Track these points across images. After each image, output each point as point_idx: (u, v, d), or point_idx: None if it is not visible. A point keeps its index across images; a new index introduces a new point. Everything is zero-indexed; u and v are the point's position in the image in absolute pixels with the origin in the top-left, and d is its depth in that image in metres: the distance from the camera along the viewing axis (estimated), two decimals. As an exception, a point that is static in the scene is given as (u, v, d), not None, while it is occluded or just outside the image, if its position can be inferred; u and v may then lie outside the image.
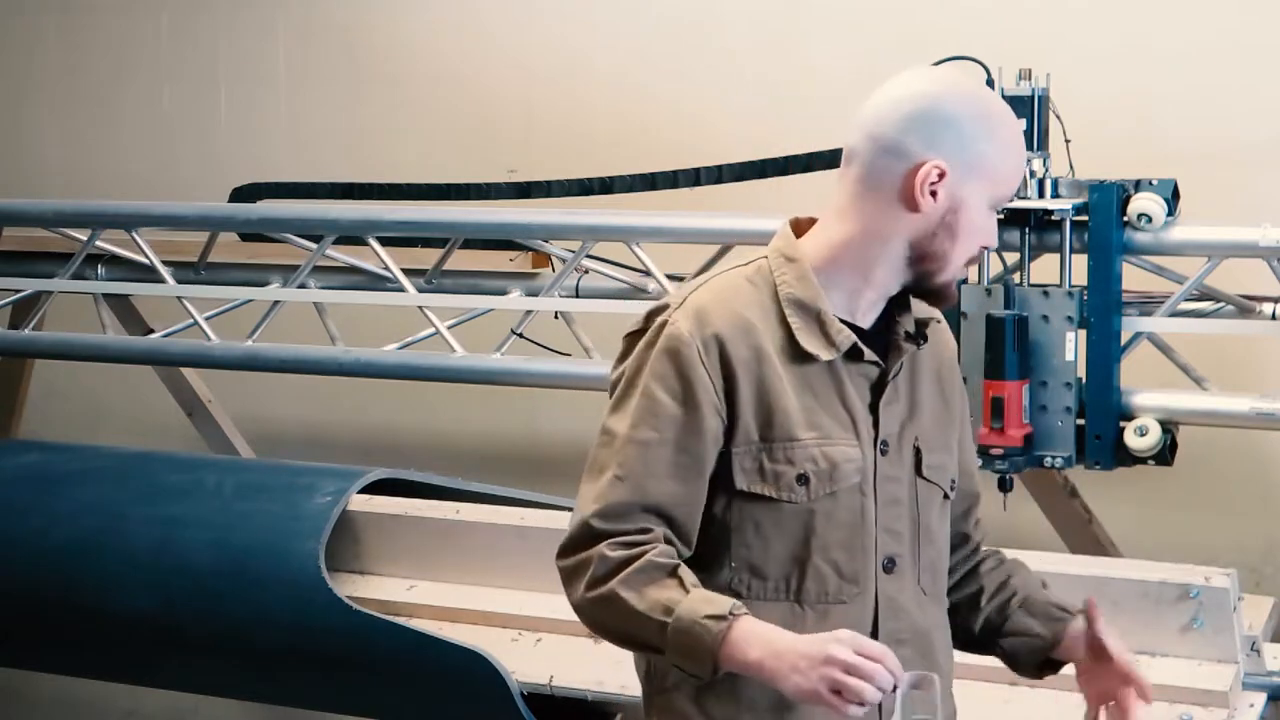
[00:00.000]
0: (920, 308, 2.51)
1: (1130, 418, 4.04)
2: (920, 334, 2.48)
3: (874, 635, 2.38)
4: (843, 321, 2.43)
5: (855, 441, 2.42)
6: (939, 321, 2.55)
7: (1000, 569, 2.65)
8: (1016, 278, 4.13)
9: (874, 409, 2.44)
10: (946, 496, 2.53)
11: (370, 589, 4.24)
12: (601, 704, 3.89)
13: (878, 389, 2.45)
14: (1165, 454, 4.02)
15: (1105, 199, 3.98)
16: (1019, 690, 3.46)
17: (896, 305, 2.48)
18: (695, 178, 4.76)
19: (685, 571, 2.36)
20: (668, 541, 2.38)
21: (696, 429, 2.39)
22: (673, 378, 2.40)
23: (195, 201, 5.28)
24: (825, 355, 2.41)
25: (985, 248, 2.47)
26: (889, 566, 2.44)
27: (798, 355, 2.41)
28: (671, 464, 2.39)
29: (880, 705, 2.25)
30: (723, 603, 2.31)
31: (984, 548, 2.68)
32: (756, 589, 2.41)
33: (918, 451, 2.48)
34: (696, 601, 2.31)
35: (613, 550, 2.37)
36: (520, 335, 4.72)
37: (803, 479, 2.40)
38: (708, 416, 2.39)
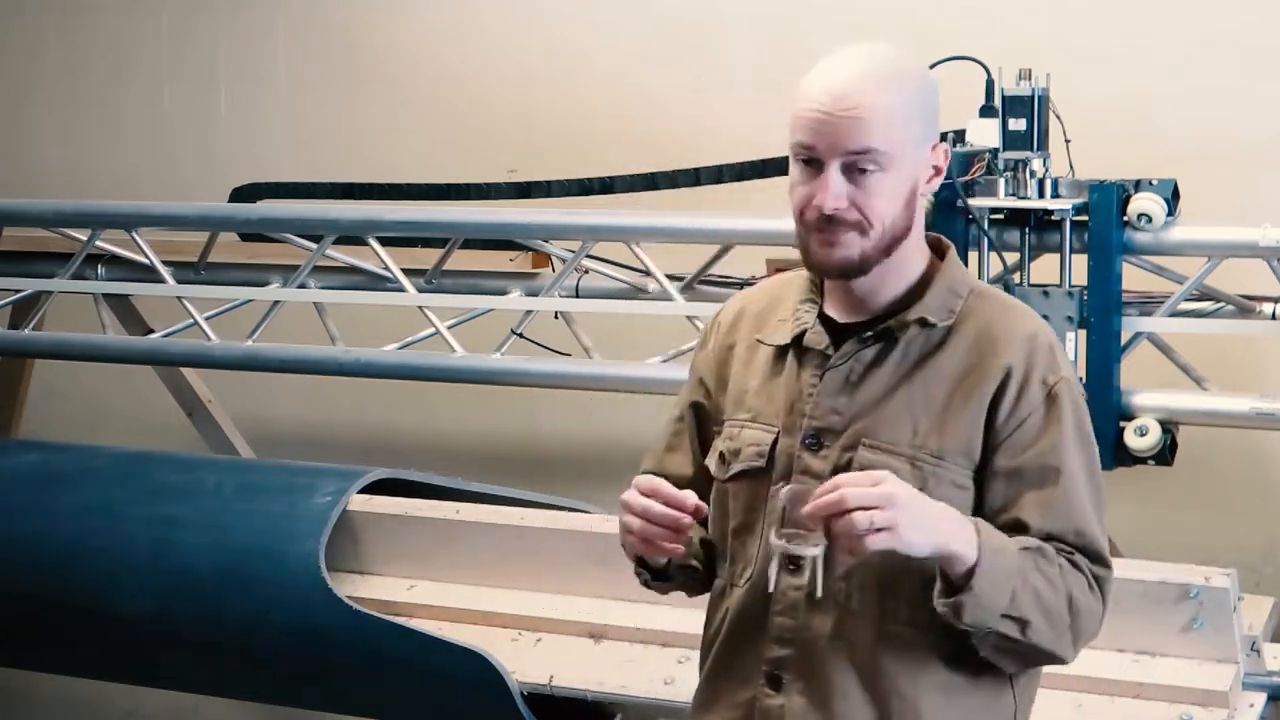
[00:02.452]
0: (938, 309, 2.41)
1: (1130, 418, 4.04)
2: (889, 331, 2.40)
3: (767, 629, 2.41)
4: (825, 316, 2.44)
5: (776, 427, 2.44)
6: (927, 323, 2.39)
7: None
8: (1016, 278, 4.13)
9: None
10: None
11: (370, 589, 4.23)
12: (601, 704, 3.89)
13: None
14: (1165, 454, 4.02)
15: (1105, 199, 3.98)
16: (1019, 690, 3.46)
17: (913, 297, 2.42)
18: (695, 178, 4.77)
19: None
20: None
21: (683, 402, 2.60)
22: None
23: (195, 201, 5.28)
24: (772, 341, 2.48)
25: (811, 206, 2.34)
26: (790, 563, 2.35)
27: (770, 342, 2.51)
28: (670, 435, 2.61)
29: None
30: None
31: None
32: (717, 564, 2.53)
33: (853, 450, 2.39)
34: None
35: None
36: (520, 335, 4.72)
37: (723, 457, 2.49)
38: (692, 390, 2.58)
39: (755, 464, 2.45)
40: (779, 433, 2.44)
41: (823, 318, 2.45)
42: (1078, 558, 2.36)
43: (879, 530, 2.18)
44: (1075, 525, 2.36)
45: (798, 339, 2.45)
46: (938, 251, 2.48)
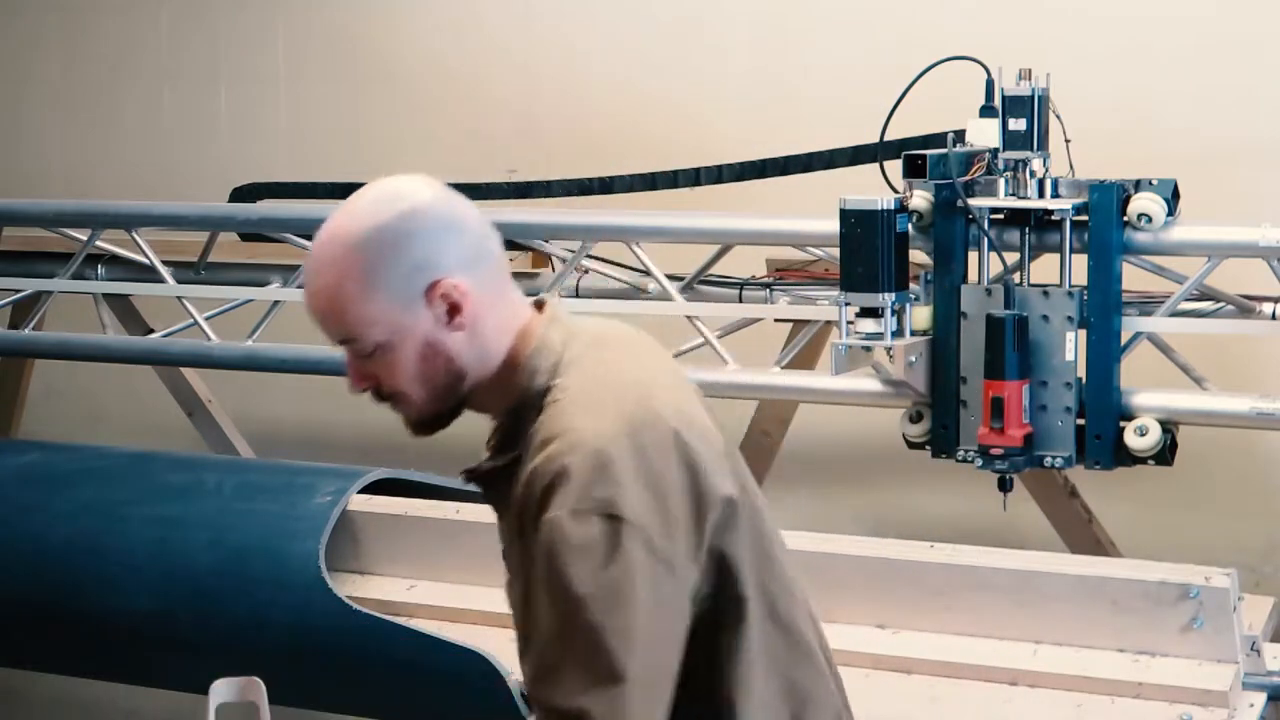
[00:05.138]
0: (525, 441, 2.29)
1: (1130, 418, 4.04)
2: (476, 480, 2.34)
3: None
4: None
5: None
6: (481, 472, 2.36)
7: None
8: (1016, 278, 4.12)
9: None
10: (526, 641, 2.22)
11: (370, 589, 4.23)
12: (601, 704, 3.87)
13: None
14: (1165, 454, 4.02)
15: (1105, 199, 3.98)
16: (1019, 690, 3.46)
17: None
18: (695, 178, 4.76)
19: None
20: None
21: None
22: None
23: (195, 201, 5.29)
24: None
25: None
26: None
27: None
28: None
29: None
30: None
31: None
32: None
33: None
34: None
35: None
36: (520, 335, 4.71)
37: None
38: None
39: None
40: None
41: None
42: None
43: None
44: (534, 686, 2.13)
45: None
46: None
